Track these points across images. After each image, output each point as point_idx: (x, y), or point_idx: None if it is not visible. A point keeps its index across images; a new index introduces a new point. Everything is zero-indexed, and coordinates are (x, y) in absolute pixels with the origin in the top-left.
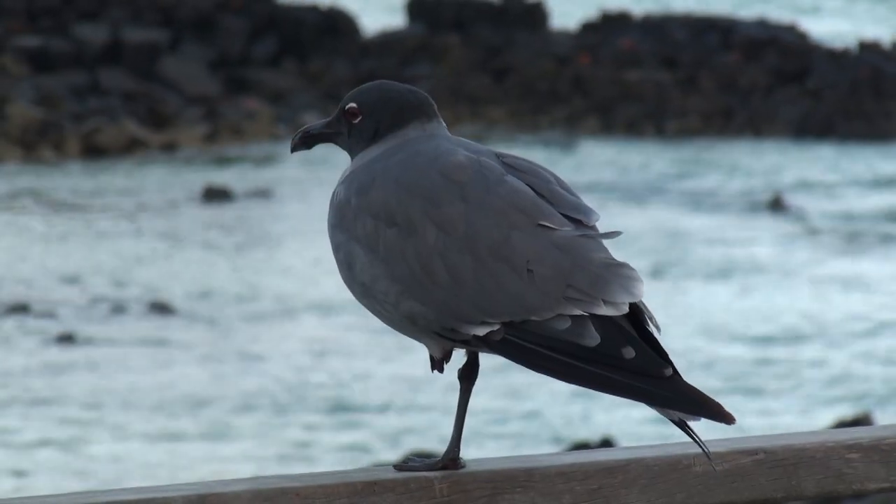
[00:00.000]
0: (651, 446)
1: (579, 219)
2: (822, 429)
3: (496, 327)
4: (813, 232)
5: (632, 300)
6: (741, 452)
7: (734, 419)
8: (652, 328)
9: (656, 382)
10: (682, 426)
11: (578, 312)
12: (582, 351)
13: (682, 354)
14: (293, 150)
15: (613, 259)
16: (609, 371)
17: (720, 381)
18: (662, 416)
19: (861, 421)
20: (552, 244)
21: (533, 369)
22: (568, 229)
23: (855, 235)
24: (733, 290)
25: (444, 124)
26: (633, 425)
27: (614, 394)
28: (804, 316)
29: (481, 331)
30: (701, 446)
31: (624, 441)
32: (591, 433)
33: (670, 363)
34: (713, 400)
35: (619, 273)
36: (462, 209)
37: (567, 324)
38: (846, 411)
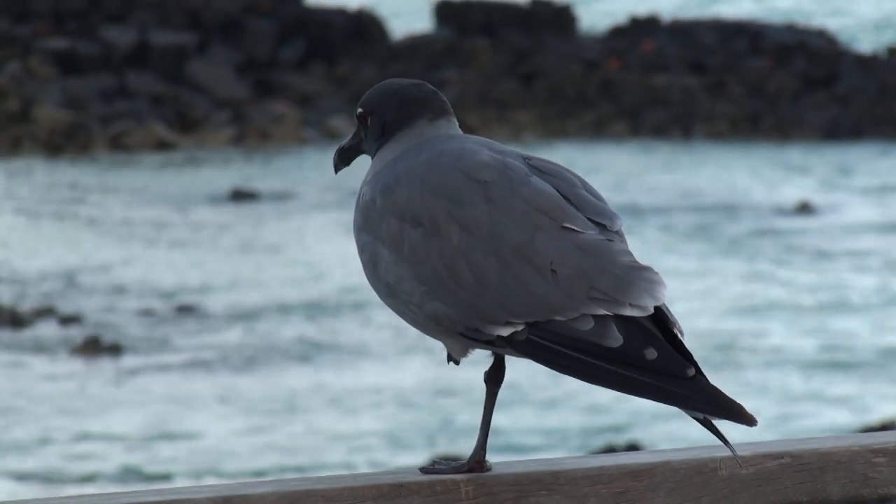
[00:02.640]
0: (677, 450)
1: (603, 223)
2: (848, 433)
3: (520, 327)
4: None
5: (655, 304)
6: (767, 456)
7: (756, 421)
8: (676, 331)
9: (678, 383)
10: (708, 425)
11: (603, 312)
12: (605, 351)
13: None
14: (336, 170)
15: (637, 262)
16: (631, 371)
17: None
18: (687, 416)
19: (888, 426)
20: (576, 246)
21: (556, 369)
22: (592, 233)
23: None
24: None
25: (456, 122)
26: (660, 429)
27: (636, 394)
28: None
29: (505, 331)
30: (728, 445)
31: (651, 445)
32: (618, 437)
33: (694, 364)
34: (735, 401)
35: (642, 276)
36: (485, 210)
37: (590, 324)
38: None
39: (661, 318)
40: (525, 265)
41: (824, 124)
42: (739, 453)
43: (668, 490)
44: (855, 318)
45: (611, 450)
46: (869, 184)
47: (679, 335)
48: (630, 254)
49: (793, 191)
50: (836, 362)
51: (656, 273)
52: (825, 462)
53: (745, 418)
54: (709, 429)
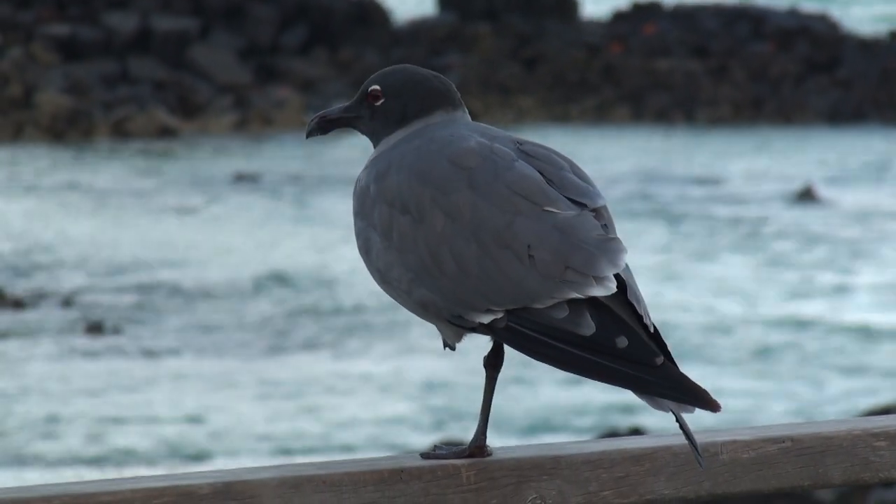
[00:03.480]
0: (678, 434)
1: (584, 203)
2: (848, 417)
3: (500, 315)
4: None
5: (615, 271)
6: (767, 440)
7: (720, 406)
8: (647, 322)
9: (647, 370)
10: (677, 419)
11: (575, 296)
12: (579, 339)
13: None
14: (308, 135)
15: (606, 235)
16: (603, 359)
17: None
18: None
19: (890, 410)
20: (553, 227)
21: (533, 357)
22: (570, 213)
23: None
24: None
25: (468, 112)
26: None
27: (607, 382)
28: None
29: (486, 318)
30: (691, 443)
31: (655, 429)
32: (623, 422)
33: (666, 352)
34: (700, 387)
35: (607, 248)
36: (469, 196)
37: (565, 312)
38: None
39: (635, 309)
40: (504, 251)
41: (826, 108)
42: (740, 437)
43: (669, 474)
44: (858, 302)
45: (614, 434)
46: (871, 168)
47: (650, 325)
48: (599, 228)
49: (796, 176)
50: (840, 345)
51: (620, 242)
52: (826, 446)
53: (709, 404)
54: (678, 424)
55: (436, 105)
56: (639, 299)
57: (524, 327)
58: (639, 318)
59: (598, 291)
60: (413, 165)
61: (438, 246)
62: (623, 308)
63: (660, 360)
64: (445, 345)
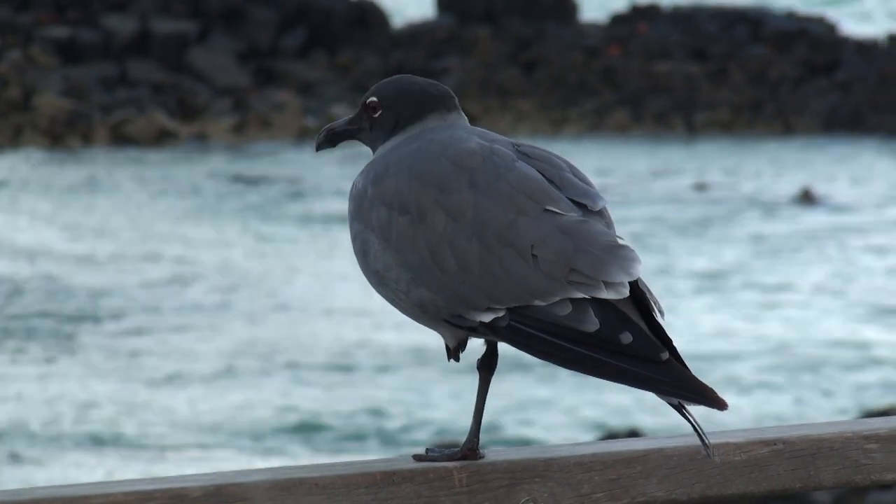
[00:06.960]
0: (670, 437)
1: (585, 204)
2: (840, 419)
3: (501, 313)
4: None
5: (629, 279)
6: (759, 443)
7: (727, 405)
8: (656, 313)
9: (651, 367)
10: (682, 412)
11: (581, 295)
12: (582, 336)
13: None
14: (318, 148)
15: (615, 241)
16: (607, 356)
17: None
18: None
19: (886, 412)
20: (557, 228)
21: (536, 355)
22: (573, 215)
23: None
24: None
25: (465, 117)
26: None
27: (611, 379)
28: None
29: (487, 317)
30: (700, 435)
31: (650, 432)
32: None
33: (672, 348)
34: (707, 385)
35: (618, 254)
36: (471, 196)
37: (568, 309)
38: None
39: (643, 301)
40: (507, 249)
41: (825, 111)
42: (731, 440)
43: (661, 477)
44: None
45: (611, 436)
46: (869, 173)
47: (660, 317)
48: (607, 233)
49: (794, 179)
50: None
51: (632, 250)
52: (818, 448)
53: (716, 402)
54: (684, 417)
55: (428, 109)
56: (649, 289)
57: (526, 325)
58: (646, 311)
59: (607, 295)
60: (413, 166)
61: (439, 245)
62: (627, 304)
63: (665, 355)
64: (449, 355)
